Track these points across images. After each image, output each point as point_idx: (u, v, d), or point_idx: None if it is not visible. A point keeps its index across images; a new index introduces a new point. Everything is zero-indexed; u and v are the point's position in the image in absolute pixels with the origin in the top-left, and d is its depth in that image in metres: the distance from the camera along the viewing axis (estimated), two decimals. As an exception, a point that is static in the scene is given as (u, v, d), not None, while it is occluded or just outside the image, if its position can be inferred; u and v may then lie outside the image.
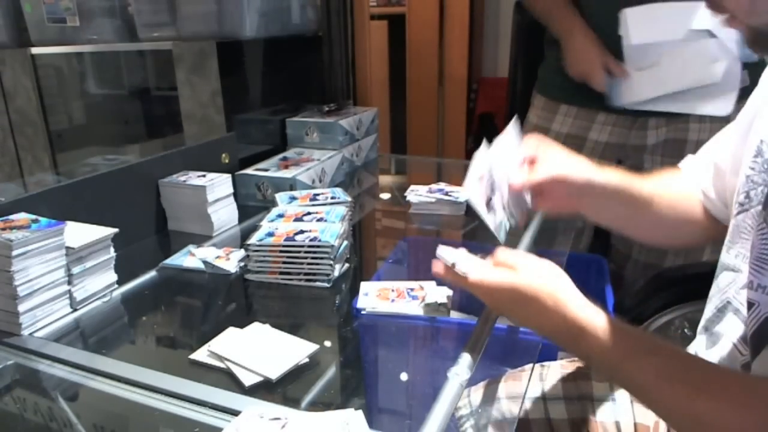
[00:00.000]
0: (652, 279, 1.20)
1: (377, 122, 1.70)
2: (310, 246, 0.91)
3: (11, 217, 0.84)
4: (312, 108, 1.65)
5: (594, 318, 0.58)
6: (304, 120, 1.52)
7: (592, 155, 1.35)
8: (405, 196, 1.29)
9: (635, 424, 0.77)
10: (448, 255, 0.68)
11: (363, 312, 0.83)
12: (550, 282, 0.61)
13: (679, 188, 0.80)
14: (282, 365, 0.69)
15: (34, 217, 0.84)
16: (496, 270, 0.64)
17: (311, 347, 0.73)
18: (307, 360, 0.71)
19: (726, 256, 0.64)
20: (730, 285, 0.63)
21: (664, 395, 0.52)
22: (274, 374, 0.67)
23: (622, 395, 0.79)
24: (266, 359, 0.70)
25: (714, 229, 0.77)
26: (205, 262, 0.98)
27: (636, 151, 1.33)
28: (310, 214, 1.02)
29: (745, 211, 0.61)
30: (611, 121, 1.32)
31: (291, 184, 1.26)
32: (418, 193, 1.28)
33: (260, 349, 0.73)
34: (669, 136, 1.29)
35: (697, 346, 0.70)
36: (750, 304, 0.56)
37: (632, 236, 0.87)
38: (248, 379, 0.67)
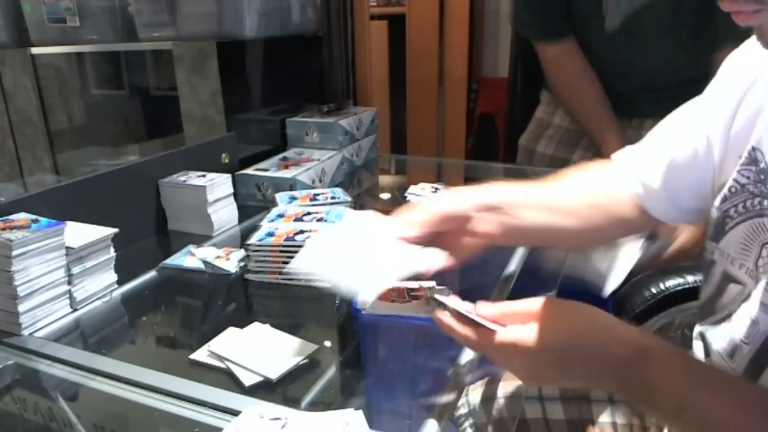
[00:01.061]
0: (646, 279, 1.19)
1: (377, 122, 1.70)
2: (310, 246, 0.91)
3: (11, 217, 0.84)
4: (312, 108, 1.65)
5: (654, 342, 0.51)
6: (304, 120, 1.52)
7: (589, 150, 1.40)
8: (405, 196, 1.29)
9: (632, 426, 0.77)
10: (450, 303, 0.57)
11: (363, 312, 0.83)
12: (591, 321, 0.54)
13: (605, 184, 0.73)
14: (282, 365, 0.69)
15: (34, 217, 0.84)
16: (524, 329, 0.54)
17: (311, 347, 0.73)
18: (306, 360, 0.71)
19: (731, 268, 0.61)
20: (736, 298, 0.61)
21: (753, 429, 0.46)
22: (274, 374, 0.67)
23: (619, 396, 0.79)
24: (266, 359, 0.70)
25: (644, 224, 0.72)
26: (205, 262, 0.98)
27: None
28: (310, 214, 1.02)
29: (742, 222, 0.59)
30: None
31: (291, 184, 1.26)
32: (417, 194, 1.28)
33: (260, 349, 0.73)
34: None
35: (695, 353, 0.70)
36: (751, 322, 0.56)
37: (556, 246, 0.81)
38: (248, 379, 0.67)
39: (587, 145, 1.41)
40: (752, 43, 0.63)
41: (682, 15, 1.16)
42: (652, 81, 1.28)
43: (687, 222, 0.72)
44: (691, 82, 1.16)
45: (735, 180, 0.60)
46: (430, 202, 0.66)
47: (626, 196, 0.71)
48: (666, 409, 0.50)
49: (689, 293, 1.11)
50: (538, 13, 1.35)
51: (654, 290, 1.13)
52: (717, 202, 0.63)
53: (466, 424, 0.71)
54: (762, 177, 0.57)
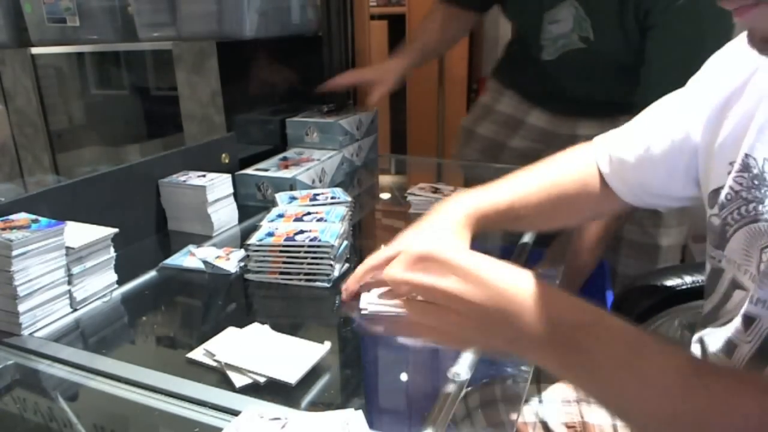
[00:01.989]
0: (646, 279, 1.20)
1: (377, 122, 1.70)
2: (310, 246, 0.91)
3: (11, 217, 0.84)
4: (312, 108, 1.65)
5: (590, 309, 0.48)
6: (304, 120, 1.52)
7: (526, 138, 1.54)
8: (405, 196, 1.29)
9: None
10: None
11: (363, 312, 0.83)
12: (513, 287, 0.49)
13: (584, 161, 0.81)
14: (298, 368, 0.69)
15: (34, 217, 0.84)
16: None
17: (322, 348, 0.72)
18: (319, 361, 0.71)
19: (738, 274, 0.61)
20: (739, 303, 0.61)
21: (693, 393, 0.43)
22: (292, 378, 0.67)
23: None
24: (278, 362, 0.70)
25: (609, 203, 0.79)
26: (205, 262, 0.98)
27: (571, 141, 1.42)
28: (310, 214, 1.02)
29: (740, 228, 0.60)
30: (544, 117, 1.50)
31: (291, 184, 1.26)
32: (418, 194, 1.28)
33: (268, 351, 0.73)
34: (602, 130, 1.33)
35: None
36: (750, 320, 0.56)
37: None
38: (239, 381, 0.67)
39: (525, 133, 1.53)
40: (737, 45, 0.64)
41: (617, 57, 1.26)
42: (591, 98, 1.37)
43: (648, 206, 0.78)
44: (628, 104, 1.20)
45: (730, 187, 0.61)
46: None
47: (596, 173, 0.79)
48: (600, 374, 0.47)
49: (690, 293, 1.11)
50: None
51: (655, 290, 1.13)
52: (715, 209, 0.63)
53: (465, 429, 0.71)
54: (755, 183, 0.57)
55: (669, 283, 1.13)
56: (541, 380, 0.85)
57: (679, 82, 1.04)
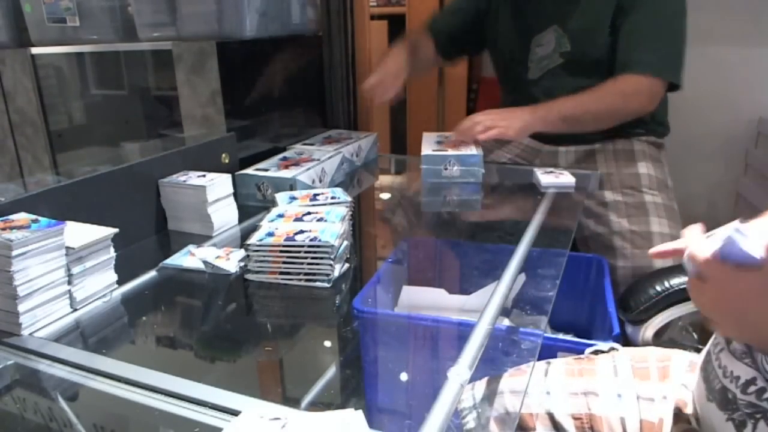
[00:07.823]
0: (650, 277, 1.19)
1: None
2: (310, 246, 0.91)
3: (11, 217, 0.84)
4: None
5: None
6: (440, 153, 1.40)
7: (511, 152, 1.67)
8: (405, 196, 1.29)
9: (641, 421, 0.76)
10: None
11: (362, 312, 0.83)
12: None
13: None
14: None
15: (34, 217, 0.84)
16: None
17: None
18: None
19: None
20: None
21: None
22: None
23: (627, 391, 0.79)
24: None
25: None
26: (205, 262, 0.98)
27: (553, 156, 1.59)
28: (310, 214, 1.02)
29: None
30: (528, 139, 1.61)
31: (291, 184, 1.26)
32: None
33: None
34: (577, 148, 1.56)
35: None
36: None
37: None
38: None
39: (511, 147, 1.65)
40: None
41: (582, 71, 1.50)
42: None
43: None
44: None
45: None
46: None
47: None
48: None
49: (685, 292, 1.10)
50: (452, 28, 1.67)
51: (658, 288, 1.13)
52: None
53: (470, 417, 0.71)
54: None
55: (673, 281, 1.13)
56: (548, 373, 0.84)
57: (661, 36, 1.36)
